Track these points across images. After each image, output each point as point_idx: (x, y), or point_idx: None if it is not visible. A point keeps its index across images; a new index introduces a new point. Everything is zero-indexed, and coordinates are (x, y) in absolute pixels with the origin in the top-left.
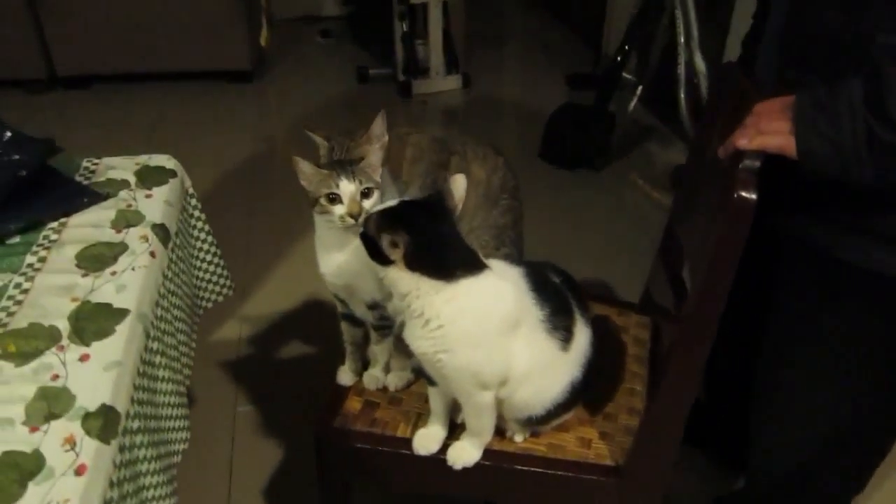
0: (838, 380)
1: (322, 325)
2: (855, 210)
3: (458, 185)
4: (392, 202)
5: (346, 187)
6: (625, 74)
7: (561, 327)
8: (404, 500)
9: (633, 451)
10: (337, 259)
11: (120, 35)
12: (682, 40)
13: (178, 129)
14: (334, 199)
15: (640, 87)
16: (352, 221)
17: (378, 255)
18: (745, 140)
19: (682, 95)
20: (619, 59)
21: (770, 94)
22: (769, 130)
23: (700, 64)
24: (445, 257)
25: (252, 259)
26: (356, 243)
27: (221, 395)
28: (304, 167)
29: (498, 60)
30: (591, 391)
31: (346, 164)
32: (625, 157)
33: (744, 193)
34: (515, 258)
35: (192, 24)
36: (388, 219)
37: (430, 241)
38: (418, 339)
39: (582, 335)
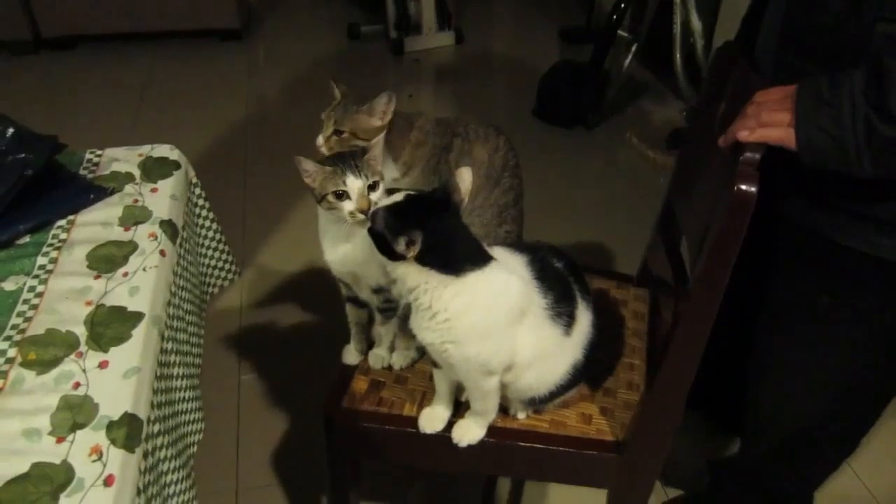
0: (835, 354)
1: (321, 290)
2: (855, 196)
3: (465, 177)
4: (398, 196)
5: (354, 183)
6: (620, 32)
7: (564, 313)
8: (411, 474)
9: (634, 430)
10: (342, 248)
11: None
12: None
13: (168, 90)
14: (342, 195)
15: (635, 45)
16: (362, 217)
17: (388, 251)
18: (745, 132)
19: (678, 56)
20: (614, 16)
21: (770, 80)
22: (770, 122)
23: (696, 24)
24: (455, 253)
25: (249, 224)
26: (362, 234)
27: (225, 365)
28: (308, 166)
29: (490, 14)
30: (590, 371)
31: (349, 159)
32: (620, 114)
33: (744, 187)
34: (516, 234)
35: None
36: (400, 217)
37: (440, 237)
38: (425, 331)
39: (584, 318)
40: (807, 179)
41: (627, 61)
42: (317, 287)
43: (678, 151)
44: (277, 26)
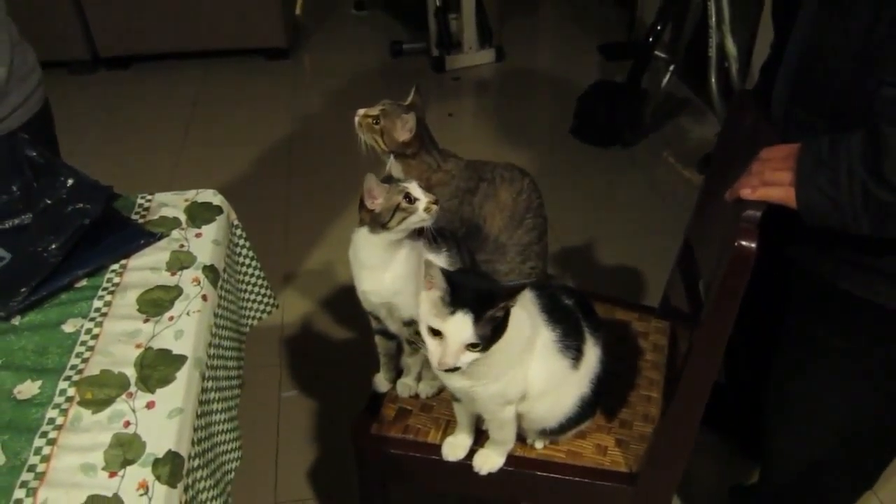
0: (847, 391)
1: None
2: (857, 247)
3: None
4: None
5: (412, 185)
6: (657, 52)
7: (572, 347)
8: (440, 497)
9: (646, 461)
10: (381, 277)
11: (158, 15)
12: (714, 22)
13: (217, 108)
14: (410, 196)
15: (672, 66)
16: (436, 208)
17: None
18: (748, 190)
19: (714, 80)
20: (650, 38)
21: (780, 131)
22: (772, 181)
23: (731, 48)
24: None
25: (292, 240)
26: (398, 262)
27: (266, 381)
28: (374, 184)
29: (531, 31)
30: (601, 404)
31: (387, 179)
32: (657, 132)
33: (745, 243)
34: (540, 269)
35: (227, 3)
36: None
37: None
38: (452, 379)
39: (592, 354)
40: (810, 228)
41: (665, 80)
42: (356, 305)
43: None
44: (322, 45)
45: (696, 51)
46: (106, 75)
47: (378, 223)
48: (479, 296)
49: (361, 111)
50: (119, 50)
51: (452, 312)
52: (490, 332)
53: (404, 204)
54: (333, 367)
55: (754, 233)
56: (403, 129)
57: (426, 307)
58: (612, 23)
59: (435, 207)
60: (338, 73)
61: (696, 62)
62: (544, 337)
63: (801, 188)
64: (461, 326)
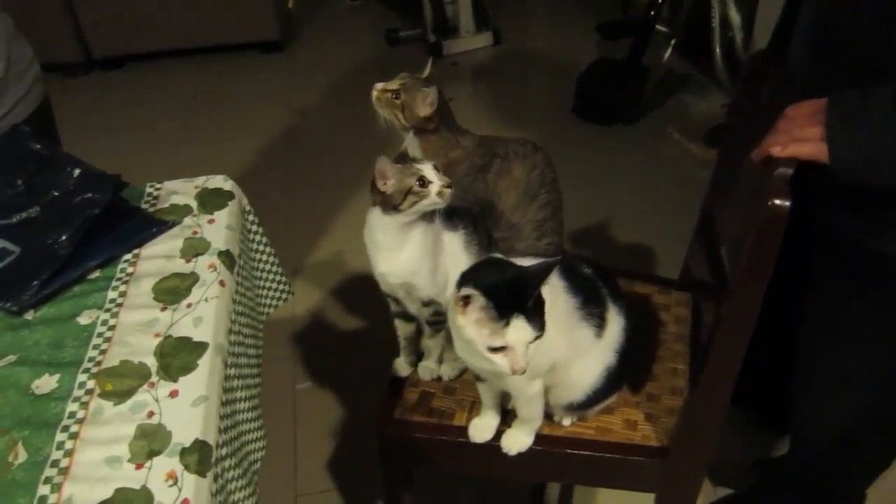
0: (875, 356)
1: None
2: (890, 203)
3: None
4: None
5: (426, 167)
6: (657, 26)
7: (594, 315)
8: (463, 477)
9: (677, 435)
10: (397, 258)
11: (150, 14)
12: None
13: (214, 104)
14: (423, 180)
15: (673, 40)
16: (449, 192)
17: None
18: (777, 147)
19: (718, 51)
20: (651, 11)
21: (802, 90)
22: (801, 137)
23: (735, 18)
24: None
25: (297, 234)
26: (415, 242)
27: (280, 373)
28: (386, 166)
29: (527, 13)
30: (628, 377)
31: (406, 159)
32: (660, 108)
33: (777, 202)
34: (556, 245)
35: None
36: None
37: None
38: (478, 358)
39: (615, 322)
40: (841, 188)
41: (666, 55)
42: (367, 293)
43: (718, 147)
44: (316, 35)
45: (696, 24)
46: (100, 76)
47: (389, 205)
48: (519, 292)
49: (380, 85)
50: (112, 50)
51: (507, 323)
52: (540, 317)
53: (416, 187)
54: (347, 356)
55: (787, 190)
56: (425, 104)
57: (474, 331)
58: (608, 3)
59: (448, 191)
60: (334, 64)
61: (696, 35)
62: (567, 304)
63: (833, 142)
64: (521, 331)
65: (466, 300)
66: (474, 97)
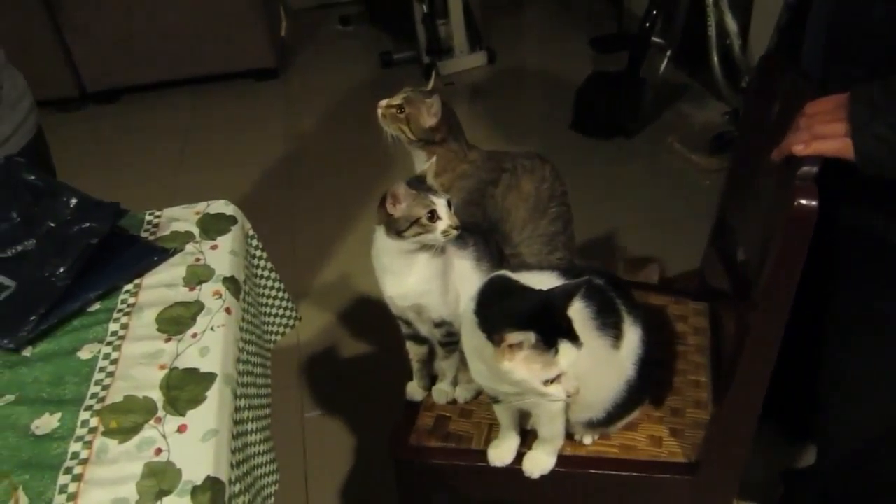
0: None
1: (378, 320)
2: None
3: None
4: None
5: (439, 201)
6: (653, 37)
7: (610, 325)
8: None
9: (707, 449)
10: (406, 281)
11: (144, 46)
12: (711, 0)
13: (210, 133)
14: (434, 215)
15: (669, 50)
16: (455, 233)
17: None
18: (800, 145)
19: (715, 58)
20: (647, 23)
21: (819, 88)
22: (824, 134)
23: (731, 25)
24: None
25: (299, 259)
26: (423, 264)
27: (288, 403)
28: (402, 190)
29: (520, 30)
30: (649, 391)
31: (420, 184)
32: (659, 120)
33: (804, 202)
34: (568, 260)
35: (212, 28)
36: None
37: None
38: (502, 384)
39: (632, 333)
40: (866, 185)
41: (663, 66)
42: (373, 318)
43: (723, 154)
44: (311, 61)
45: (691, 34)
46: (95, 110)
47: (393, 228)
48: (554, 315)
49: (383, 102)
50: (106, 84)
51: (556, 352)
52: (575, 333)
53: (425, 220)
54: (356, 383)
55: (813, 190)
56: (429, 114)
57: (525, 370)
58: (599, 14)
59: (454, 232)
60: (329, 89)
61: (692, 45)
62: (581, 315)
63: (857, 137)
64: (570, 354)
65: (512, 343)
66: (472, 117)
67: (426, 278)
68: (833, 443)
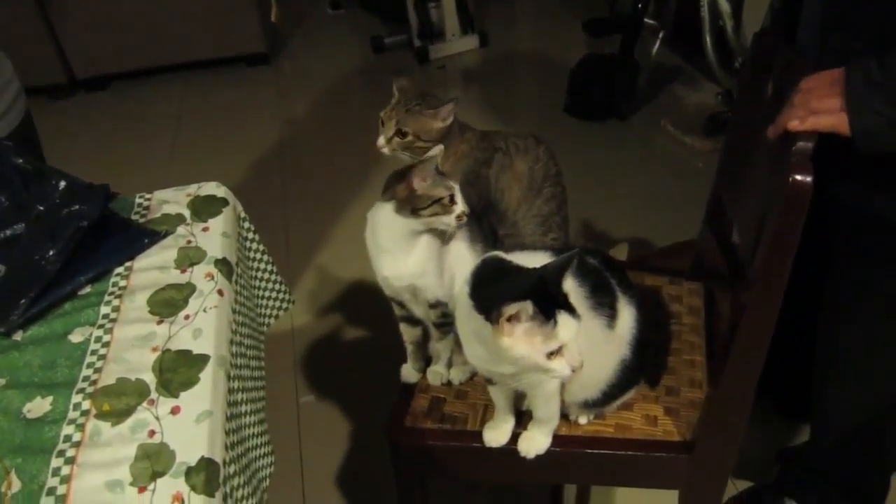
0: None
1: (371, 305)
2: None
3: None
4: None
5: (456, 188)
6: (645, 19)
7: (604, 304)
8: (479, 486)
9: (702, 428)
10: (403, 262)
11: (131, 33)
12: None
13: (202, 119)
14: (453, 199)
15: (661, 32)
16: (465, 220)
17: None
18: (795, 121)
19: (708, 39)
20: (639, 6)
21: (814, 64)
22: (820, 109)
23: (724, 5)
24: None
25: (292, 244)
26: (421, 245)
27: (282, 388)
28: (430, 168)
29: (513, 14)
30: (644, 371)
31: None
32: (652, 102)
33: (799, 177)
34: (562, 240)
35: (202, 13)
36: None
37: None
38: (501, 365)
39: (626, 313)
40: (861, 162)
41: (655, 48)
42: (367, 302)
43: (717, 136)
44: (302, 46)
45: (683, 15)
46: (85, 97)
47: (409, 206)
48: (550, 286)
49: (381, 141)
50: (96, 71)
51: (556, 323)
52: (572, 306)
53: (446, 201)
54: (350, 366)
55: (808, 165)
56: (437, 119)
57: (525, 344)
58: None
59: (465, 219)
60: (321, 74)
61: (685, 27)
62: (575, 294)
63: (854, 112)
64: (570, 325)
65: (514, 317)
66: (464, 100)
67: (424, 259)
68: (830, 421)
